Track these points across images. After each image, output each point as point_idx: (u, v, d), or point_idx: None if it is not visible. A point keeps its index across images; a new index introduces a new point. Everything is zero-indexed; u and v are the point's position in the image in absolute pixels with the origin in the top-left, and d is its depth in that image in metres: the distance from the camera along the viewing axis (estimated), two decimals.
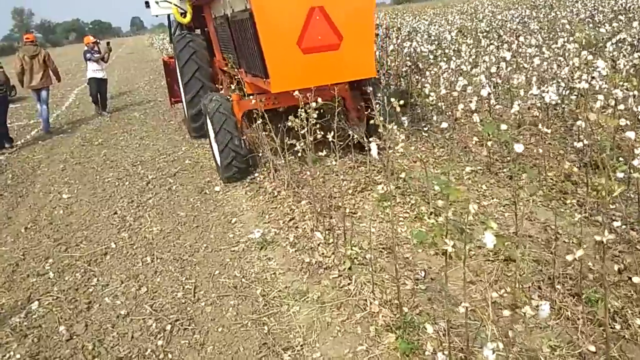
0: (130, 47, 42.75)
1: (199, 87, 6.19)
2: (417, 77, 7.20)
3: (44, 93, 9.14)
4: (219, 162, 5.15)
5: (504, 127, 3.63)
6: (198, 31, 7.53)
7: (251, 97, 4.99)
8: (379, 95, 4.93)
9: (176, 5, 6.80)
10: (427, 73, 6.94)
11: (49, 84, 9.22)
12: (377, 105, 4.26)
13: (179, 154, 6.78)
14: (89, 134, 8.96)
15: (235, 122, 4.84)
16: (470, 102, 4.78)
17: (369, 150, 2.58)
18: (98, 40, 11.00)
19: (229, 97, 5.02)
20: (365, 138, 4.43)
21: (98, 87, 10.56)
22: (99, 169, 6.57)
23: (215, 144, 5.12)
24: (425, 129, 5.82)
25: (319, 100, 3.67)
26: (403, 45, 8.14)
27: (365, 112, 4.90)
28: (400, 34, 9.77)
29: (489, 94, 4.98)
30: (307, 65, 4.22)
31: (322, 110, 4.20)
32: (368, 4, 4.32)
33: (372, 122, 4.18)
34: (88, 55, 10.32)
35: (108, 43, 10.94)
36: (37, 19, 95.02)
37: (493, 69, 5.99)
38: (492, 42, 8.40)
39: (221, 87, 6.46)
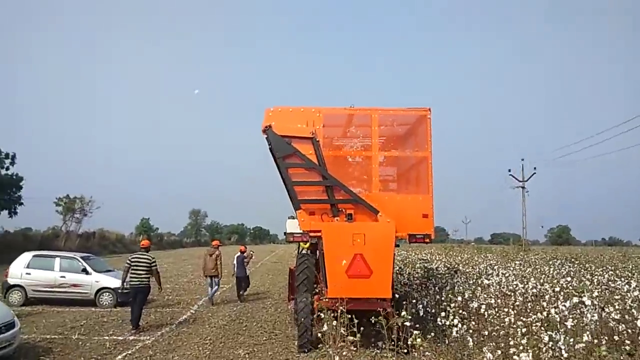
0: (278, 256, 50.93)
1: (304, 290, 9.89)
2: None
3: (215, 279, 15.16)
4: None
5: None
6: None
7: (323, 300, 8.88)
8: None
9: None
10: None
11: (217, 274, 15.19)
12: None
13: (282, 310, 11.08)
14: (238, 307, 13.89)
15: (311, 311, 8.88)
16: None
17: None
18: (246, 249, 17.70)
19: (312, 300, 9.16)
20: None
21: (247, 280, 16.59)
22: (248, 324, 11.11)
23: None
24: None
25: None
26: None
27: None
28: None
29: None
30: (349, 284, 8.35)
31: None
32: (388, 252, 8.54)
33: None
34: (240, 258, 16.59)
35: (252, 253, 17.75)
36: (209, 220, 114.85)
37: None
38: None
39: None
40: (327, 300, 8.51)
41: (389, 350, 7.64)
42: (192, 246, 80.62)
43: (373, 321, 7.02)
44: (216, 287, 15.35)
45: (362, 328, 6.73)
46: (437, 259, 23.24)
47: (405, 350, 7.29)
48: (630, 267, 17.73)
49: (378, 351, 8.62)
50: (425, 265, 17.68)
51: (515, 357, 5.74)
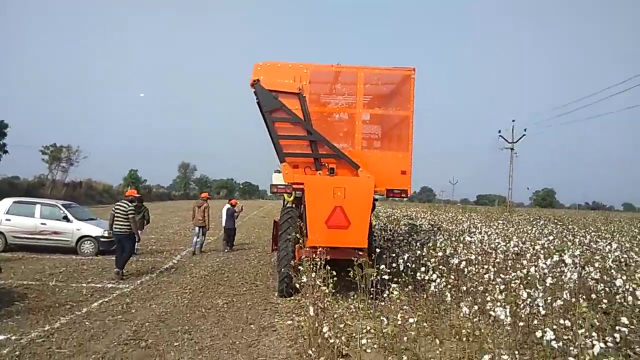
0: (266, 211, 51.02)
1: (286, 239, 10.01)
2: None
3: (202, 230, 15.47)
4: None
5: None
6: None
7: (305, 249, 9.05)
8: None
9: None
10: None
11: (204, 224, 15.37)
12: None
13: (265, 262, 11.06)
14: (226, 256, 13.86)
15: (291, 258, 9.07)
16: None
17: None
18: (236, 203, 17.71)
19: (293, 249, 9.33)
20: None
21: (232, 233, 16.85)
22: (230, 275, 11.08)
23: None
24: None
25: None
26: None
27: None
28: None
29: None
30: (328, 234, 8.64)
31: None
32: (366, 205, 8.83)
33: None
34: (230, 211, 16.68)
35: (242, 207, 17.97)
36: (198, 174, 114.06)
37: None
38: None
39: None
40: (307, 249, 8.81)
41: (360, 301, 7.73)
42: (180, 199, 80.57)
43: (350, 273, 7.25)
44: (202, 237, 15.66)
45: (340, 281, 6.78)
46: (422, 216, 23.36)
47: (383, 302, 7.40)
48: (612, 229, 17.93)
49: (352, 300, 8.77)
50: (409, 222, 17.70)
51: (491, 312, 5.70)
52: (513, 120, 56.85)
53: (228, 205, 17.13)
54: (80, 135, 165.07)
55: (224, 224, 16.90)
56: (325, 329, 5.84)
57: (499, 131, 50.50)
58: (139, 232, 12.41)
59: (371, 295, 8.03)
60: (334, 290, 6.69)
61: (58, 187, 45.29)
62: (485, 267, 8.19)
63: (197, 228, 15.45)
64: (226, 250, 16.37)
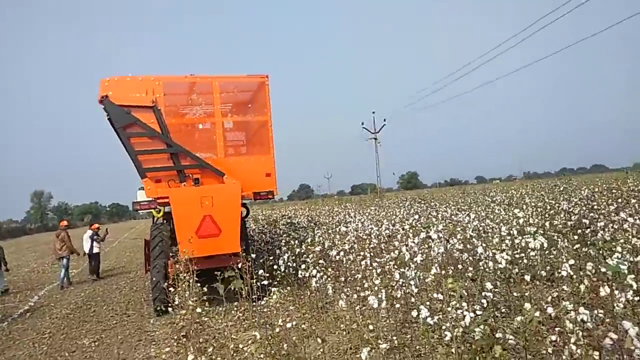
0: (138, 232, 47.93)
1: (158, 254, 9.44)
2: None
3: (64, 261, 14.42)
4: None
5: None
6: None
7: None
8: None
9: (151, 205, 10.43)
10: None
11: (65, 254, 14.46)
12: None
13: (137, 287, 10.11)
14: (92, 288, 12.41)
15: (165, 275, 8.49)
16: None
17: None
18: (99, 227, 16.50)
19: (166, 263, 8.70)
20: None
21: (98, 258, 15.84)
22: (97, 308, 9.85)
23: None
24: None
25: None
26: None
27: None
28: None
29: None
30: (200, 244, 8.48)
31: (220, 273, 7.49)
32: (235, 210, 8.91)
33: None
34: (94, 237, 15.65)
35: (106, 229, 17.14)
36: (55, 201, 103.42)
37: None
38: None
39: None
40: (181, 262, 8.31)
41: (244, 311, 7.45)
42: (38, 232, 72.44)
43: (225, 276, 7.10)
44: (63, 270, 14.50)
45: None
46: (301, 214, 23.53)
47: (266, 308, 7.25)
48: (469, 201, 19.67)
49: (235, 312, 8.47)
50: (288, 221, 17.64)
51: (369, 299, 5.70)
52: (373, 112, 59.94)
53: (90, 232, 15.87)
54: None
55: (87, 252, 15.60)
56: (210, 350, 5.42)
57: (362, 123, 53.05)
58: None
59: (254, 303, 7.76)
60: (208, 307, 6.29)
61: None
62: (362, 254, 8.31)
63: (62, 259, 14.47)
64: (93, 279, 15.19)
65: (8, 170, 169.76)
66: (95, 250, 15.74)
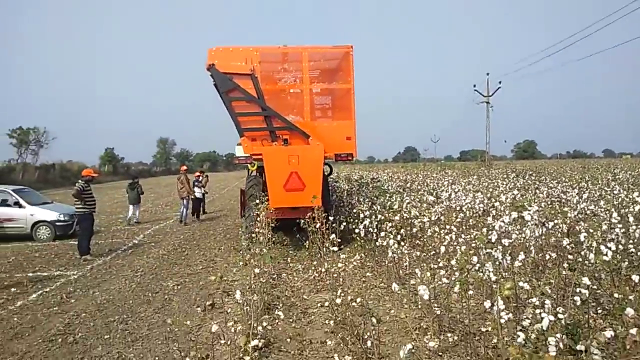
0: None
1: (253, 202, 10.13)
2: None
3: (184, 201, 16.71)
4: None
5: None
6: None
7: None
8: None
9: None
10: None
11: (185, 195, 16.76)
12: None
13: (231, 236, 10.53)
14: (192, 232, 13.24)
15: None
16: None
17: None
18: (200, 174, 18.29)
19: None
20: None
21: (199, 203, 17.83)
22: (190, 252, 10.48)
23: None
24: None
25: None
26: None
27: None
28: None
29: None
30: (287, 196, 9.76)
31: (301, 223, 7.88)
32: (318, 169, 9.89)
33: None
34: (196, 182, 17.50)
35: (207, 176, 18.88)
36: (178, 148, 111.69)
37: None
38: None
39: None
40: (271, 211, 9.06)
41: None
42: (162, 174, 79.37)
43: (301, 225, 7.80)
44: (183, 208, 16.60)
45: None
46: (395, 177, 22.85)
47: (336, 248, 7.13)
48: (586, 177, 17.59)
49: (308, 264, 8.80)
50: (377, 184, 17.16)
51: (444, 279, 5.19)
52: (487, 74, 55.65)
53: (193, 178, 17.88)
54: (47, 116, 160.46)
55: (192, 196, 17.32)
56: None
57: (474, 85, 49.64)
58: (133, 206, 16.82)
59: (331, 265, 7.60)
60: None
61: (30, 171, 43.98)
62: (448, 227, 7.69)
63: (183, 200, 16.63)
64: (192, 221, 16.99)
65: (140, 121, 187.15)
66: (198, 195, 17.41)
